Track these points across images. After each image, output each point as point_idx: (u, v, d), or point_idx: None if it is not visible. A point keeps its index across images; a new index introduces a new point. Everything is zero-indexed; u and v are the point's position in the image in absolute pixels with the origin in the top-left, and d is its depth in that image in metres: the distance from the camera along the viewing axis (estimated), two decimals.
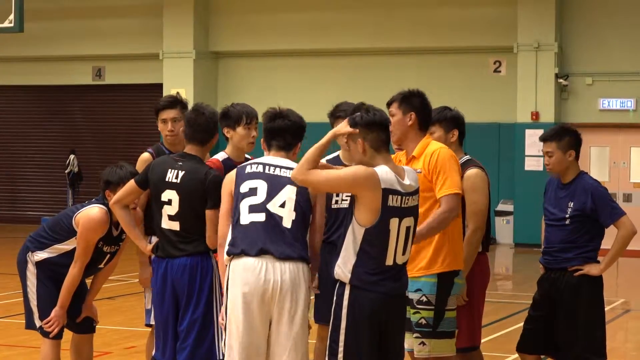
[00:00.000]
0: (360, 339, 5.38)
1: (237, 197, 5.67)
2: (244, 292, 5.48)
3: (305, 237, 5.66)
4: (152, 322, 6.79)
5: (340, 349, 5.40)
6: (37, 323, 7.10)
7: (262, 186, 5.63)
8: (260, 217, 5.57)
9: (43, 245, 7.10)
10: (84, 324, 7.26)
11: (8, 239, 22.79)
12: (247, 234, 5.55)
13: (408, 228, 5.50)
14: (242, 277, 5.50)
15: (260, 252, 5.52)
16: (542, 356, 7.33)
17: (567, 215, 7.03)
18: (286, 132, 5.82)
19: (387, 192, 5.39)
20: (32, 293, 7.10)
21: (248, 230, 5.56)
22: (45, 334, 7.06)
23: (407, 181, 5.50)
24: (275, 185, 5.62)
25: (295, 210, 5.59)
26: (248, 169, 5.72)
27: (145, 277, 7.10)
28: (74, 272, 6.96)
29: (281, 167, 5.68)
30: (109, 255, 7.14)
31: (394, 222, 5.42)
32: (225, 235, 5.70)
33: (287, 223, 5.57)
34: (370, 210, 5.37)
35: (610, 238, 7.12)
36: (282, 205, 5.58)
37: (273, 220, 5.56)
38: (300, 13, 24.02)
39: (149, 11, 25.05)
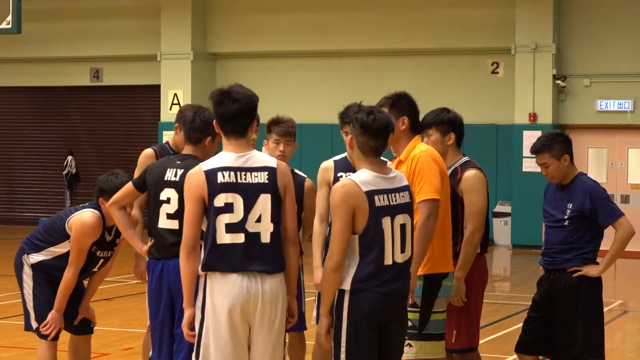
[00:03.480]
0: (360, 339, 5.37)
1: (211, 211, 5.35)
2: (227, 307, 5.31)
3: (281, 244, 5.49)
4: None
5: (343, 349, 5.40)
6: (34, 325, 7.11)
7: (238, 201, 5.34)
8: (239, 238, 5.34)
9: (38, 247, 7.10)
10: (81, 325, 7.26)
11: (6, 240, 22.76)
12: (224, 256, 5.33)
13: (403, 225, 5.46)
14: (223, 292, 5.32)
15: (239, 270, 5.34)
16: (540, 357, 7.33)
17: (566, 217, 7.01)
18: (240, 116, 5.54)
19: (371, 193, 5.36)
20: (29, 295, 7.11)
21: (226, 252, 5.33)
22: (42, 336, 7.08)
23: (392, 174, 5.48)
24: (250, 196, 5.37)
25: (272, 221, 5.39)
26: (220, 178, 5.36)
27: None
28: (68, 276, 6.97)
29: (251, 170, 5.41)
30: (102, 260, 7.14)
31: (386, 222, 5.39)
32: (193, 241, 5.36)
33: (265, 238, 5.38)
34: (362, 216, 5.35)
35: (609, 239, 7.11)
36: (259, 220, 5.36)
37: (252, 239, 5.35)
38: (298, 14, 24.01)
39: (147, 12, 25.04)
